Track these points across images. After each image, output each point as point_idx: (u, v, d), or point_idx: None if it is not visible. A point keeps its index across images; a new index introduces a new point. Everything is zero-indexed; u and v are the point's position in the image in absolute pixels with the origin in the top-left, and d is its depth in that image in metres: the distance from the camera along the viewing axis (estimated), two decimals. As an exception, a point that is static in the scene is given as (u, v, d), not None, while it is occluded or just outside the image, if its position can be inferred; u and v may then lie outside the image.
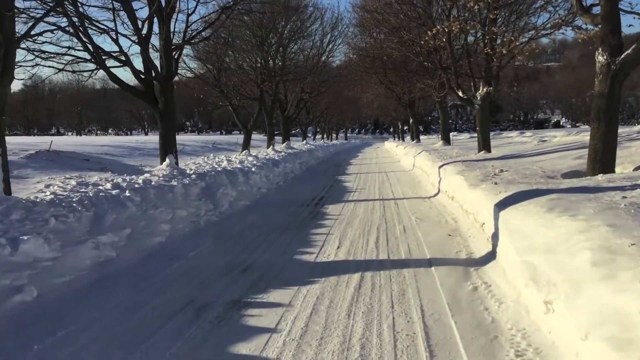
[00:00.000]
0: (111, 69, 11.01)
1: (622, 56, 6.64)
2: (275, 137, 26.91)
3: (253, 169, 14.01)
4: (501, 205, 5.16)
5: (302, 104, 29.40)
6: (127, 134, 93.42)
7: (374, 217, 8.47)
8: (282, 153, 21.45)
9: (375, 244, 6.37)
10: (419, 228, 7.29)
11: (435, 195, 10.73)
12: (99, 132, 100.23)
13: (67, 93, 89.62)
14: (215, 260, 5.89)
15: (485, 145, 14.03)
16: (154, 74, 11.39)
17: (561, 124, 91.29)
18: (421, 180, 14.11)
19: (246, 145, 20.10)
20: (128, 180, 8.62)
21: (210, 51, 19.29)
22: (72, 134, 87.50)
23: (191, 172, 11.37)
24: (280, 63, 24.30)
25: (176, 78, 14.60)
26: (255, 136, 54.97)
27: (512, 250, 4.20)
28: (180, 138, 43.31)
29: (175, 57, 12.80)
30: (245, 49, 19.61)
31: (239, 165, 14.19)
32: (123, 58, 11.53)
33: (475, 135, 44.94)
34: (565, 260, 3.11)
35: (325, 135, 66.96)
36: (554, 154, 10.61)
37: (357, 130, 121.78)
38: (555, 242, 3.39)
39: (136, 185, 8.14)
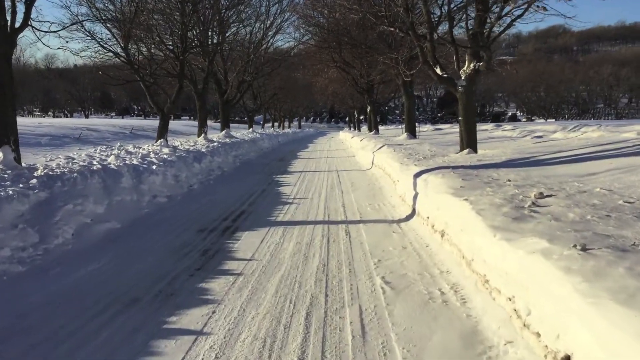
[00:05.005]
0: None
1: None
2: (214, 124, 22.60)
3: (154, 167, 10.04)
4: None
5: (244, 87, 25.09)
6: (67, 117, 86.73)
7: (305, 276, 4.63)
8: (215, 143, 17.40)
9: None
10: (395, 324, 3.48)
11: (408, 218, 7.00)
12: (36, 113, 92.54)
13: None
14: None
15: (470, 142, 10.33)
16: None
17: (517, 117, 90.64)
18: (383, 185, 10.39)
19: (162, 133, 15.70)
20: None
21: (113, 9, 14.83)
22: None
23: (40, 173, 7.46)
24: (216, 32, 19.91)
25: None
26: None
27: None
28: (103, 122, 37.47)
29: (28, 2, 8.66)
30: (161, 8, 15.26)
31: (136, 161, 10.21)
32: None
33: (440, 128, 41.54)
34: None
35: (277, 124, 62.30)
36: (597, 162, 6.97)
37: (312, 118, 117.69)
38: None
39: None
